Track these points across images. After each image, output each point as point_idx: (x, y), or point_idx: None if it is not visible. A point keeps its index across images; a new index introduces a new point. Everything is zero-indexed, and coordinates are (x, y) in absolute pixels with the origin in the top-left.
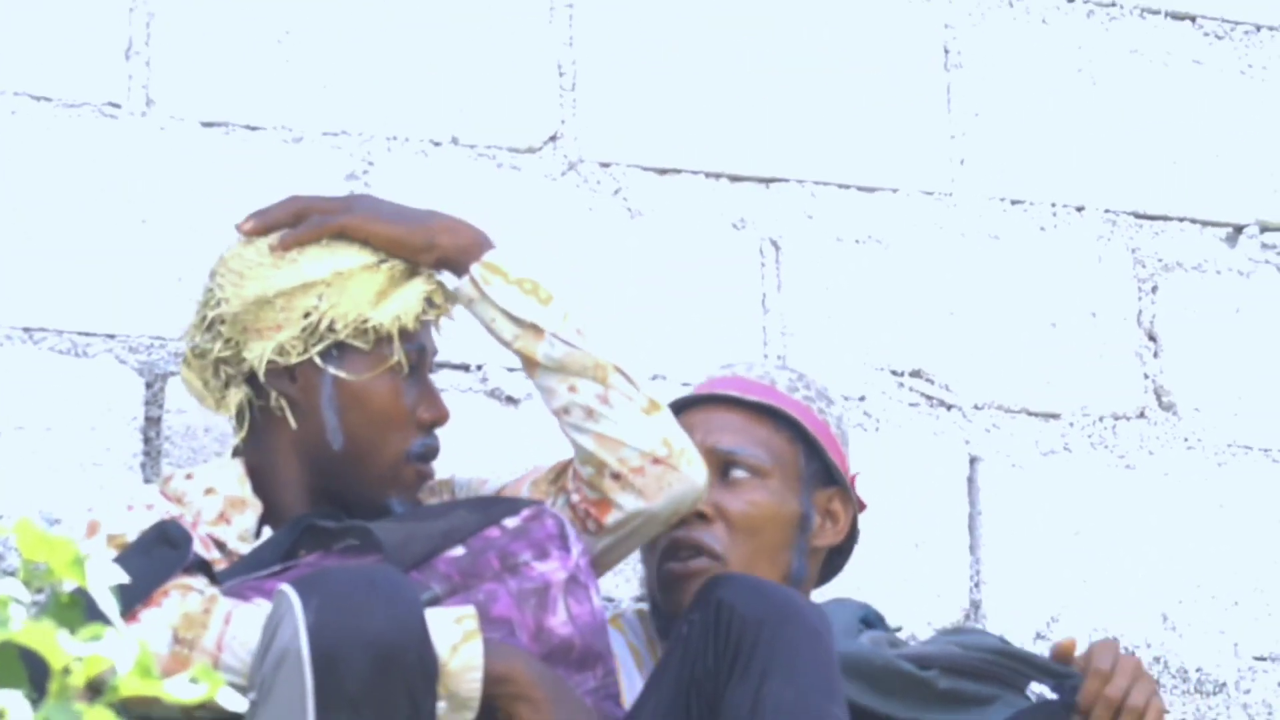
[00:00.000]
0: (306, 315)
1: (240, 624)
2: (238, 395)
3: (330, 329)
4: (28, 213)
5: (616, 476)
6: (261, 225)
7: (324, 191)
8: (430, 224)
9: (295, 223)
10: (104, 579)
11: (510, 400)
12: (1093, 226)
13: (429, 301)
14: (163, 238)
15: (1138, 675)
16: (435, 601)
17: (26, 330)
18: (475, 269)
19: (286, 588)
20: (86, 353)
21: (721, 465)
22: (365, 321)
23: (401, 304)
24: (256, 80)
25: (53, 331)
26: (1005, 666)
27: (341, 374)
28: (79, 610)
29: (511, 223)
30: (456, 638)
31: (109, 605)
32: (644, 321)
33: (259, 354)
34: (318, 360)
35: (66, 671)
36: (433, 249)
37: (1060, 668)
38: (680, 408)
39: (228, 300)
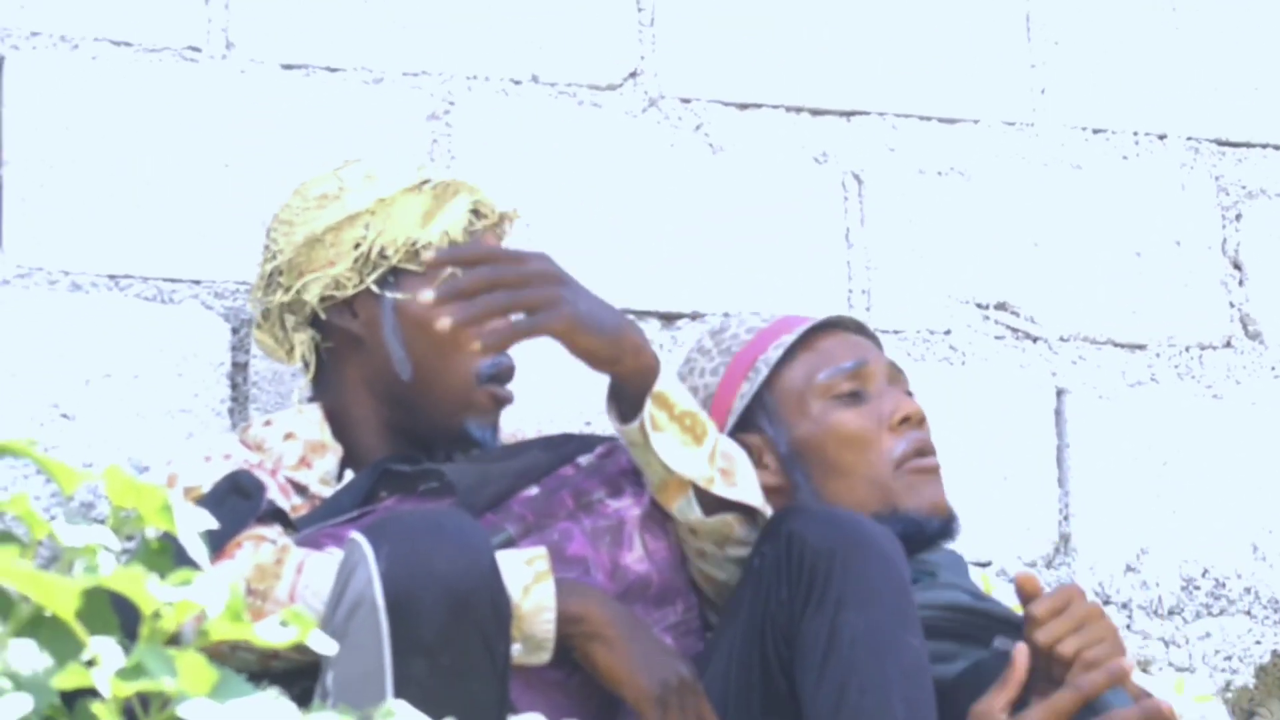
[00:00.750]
0: (356, 246)
1: (313, 573)
2: (303, 339)
3: (382, 255)
4: (110, 161)
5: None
6: (465, 318)
7: (405, 134)
8: (622, 340)
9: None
10: (193, 525)
11: None
12: (1176, 154)
13: (475, 213)
14: (245, 181)
15: (1084, 622)
16: (509, 543)
17: (112, 278)
18: (648, 408)
19: (357, 535)
20: (172, 299)
21: (897, 378)
22: (415, 243)
23: (448, 219)
24: (336, 21)
25: (138, 278)
26: (967, 623)
27: (400, 297)
28: (168, 556)
29: (592, 161)
30: (528, 579)
31: (198, 551)
32: (727, 258)
33: (316, 292)
34: (374, 289)
35: (157, 616)
36: (618, 364)
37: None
38: (819, 328)
39: (281, 250)
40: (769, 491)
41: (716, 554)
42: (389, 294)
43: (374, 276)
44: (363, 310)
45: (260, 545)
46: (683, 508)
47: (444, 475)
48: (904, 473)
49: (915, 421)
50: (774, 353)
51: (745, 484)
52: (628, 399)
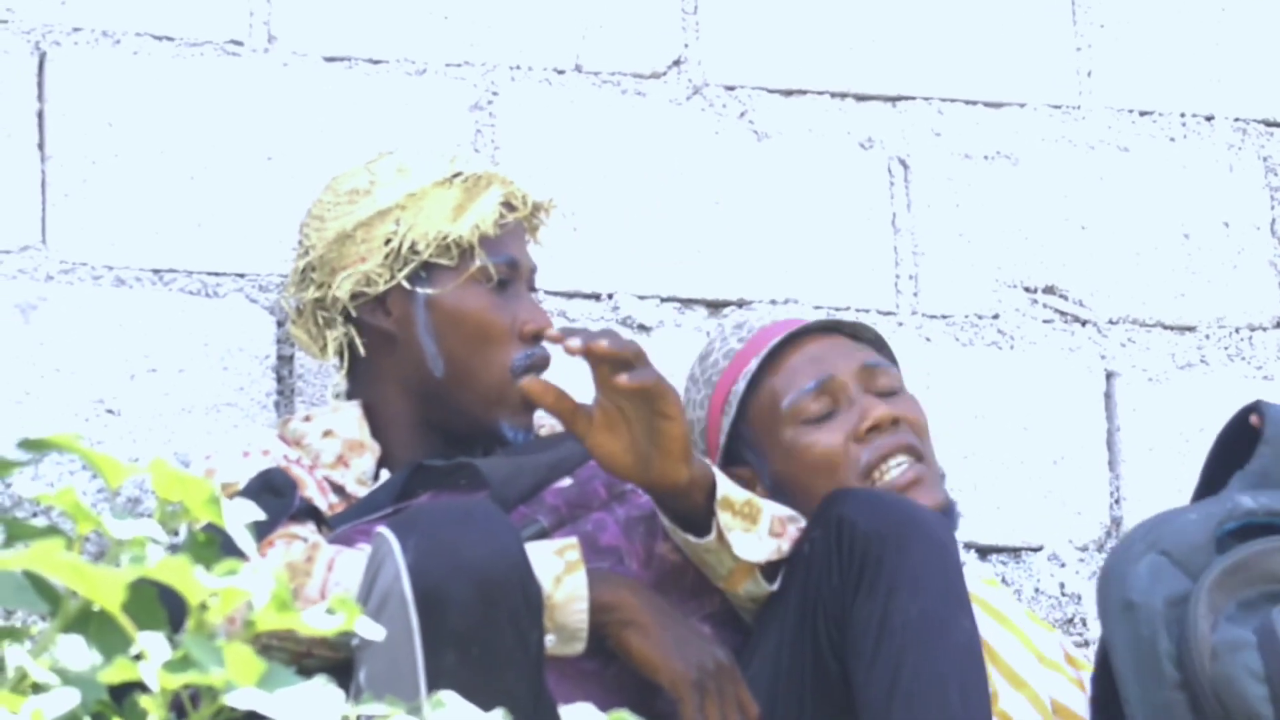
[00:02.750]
0: (387, 242)
1: (344, 570)
2: (335, 335)
3: (413, 250)
4: (153, 155)
5: None
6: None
7: (448, 125)
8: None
9: None
10: (239, 517)
11: (643, 328)
12: (1223, 136)
13: (506, 205)
14: (289, 175)
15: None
16: (543, 534)
17: (156, 272)
18: (719, 517)
19: (384, 529)
20: (217, 293)
21: (871, 378)
22: (445, 237)
23: (479, 212)
24: (378, 13)
25: (182, 272)
26: None
27: (431, 292)
28: (215, 549)
29: (636, 149)
30: (559, 569)
31: (245, 542)
32: (773, 245)
33: (348, 289)
34: (406, 284)
35: (204, 608)
36: (688, 469)
37: None
38: (781, 351)
39: (314, 246)
40: None
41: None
42: (421, 289)
43: (405, 272)
44: (395, 306)
45: (292, 544)
46: (750, 589)
47: (477, 469)
48: (873, 482)
49: (886, 426)
50: (741, 385)
51: (794, 530)
52: (692, 513)
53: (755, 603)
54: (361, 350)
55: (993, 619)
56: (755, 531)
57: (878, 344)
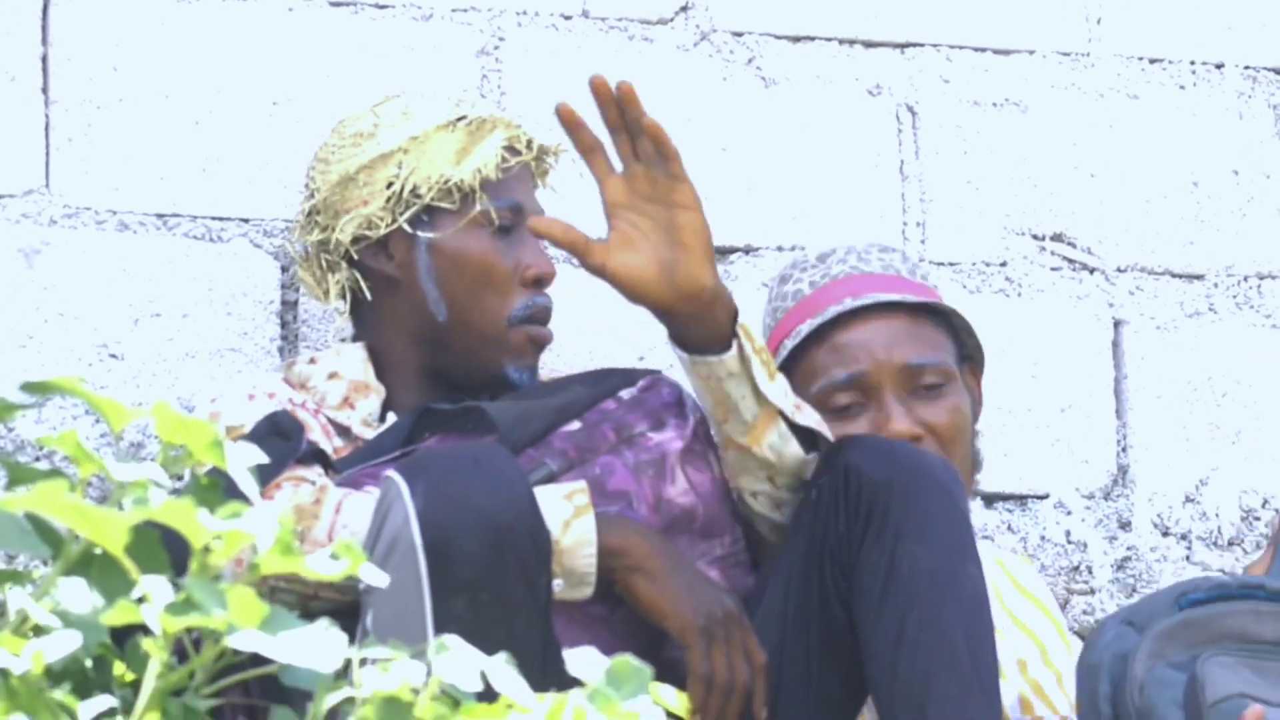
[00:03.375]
0: (389, 185)
1: (351, 513)
2: (338, 278)
3: (414, 194)
4: (158, 100)
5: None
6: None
7: (455, 70)
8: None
9: None
10: (243, 460)
11: None
12: (1233, 84)
13: (510, 149)
14: (294, 119)
15: None
16: (551, 478)
17: (160, 216)
18: (741, 335)
19: (393, 473)
20: (221, 238)
21: (911, 378)
22: (447, 180)
23: (481, 157)
24: None
25: (187, 217)
26: None
27: (433, 236)
28: (218, 492)
29: (644, 95)
30: (568, 514)
31: (248, 485)
32: (781, 192)
33: (350, 232)
34: (407, 228)
35: (207, 550)
36: (714, 289)
37: None
38: (833, 324)
39: (319, 189)
40: None
41: (777, 495)
42: (423, 234)
43: (406, 216)
44: (397, 250)
45: (299, 487)
46: (775, 443)
47: (485, 413)
48: None
49: (920, 435)
50: (790, 341)
51: (813, 415)
52: (713, 331)
53: (777, 475)
54: (365, 295)
55: (1024, 597)
56: (776, 382)
57: (948, 319)
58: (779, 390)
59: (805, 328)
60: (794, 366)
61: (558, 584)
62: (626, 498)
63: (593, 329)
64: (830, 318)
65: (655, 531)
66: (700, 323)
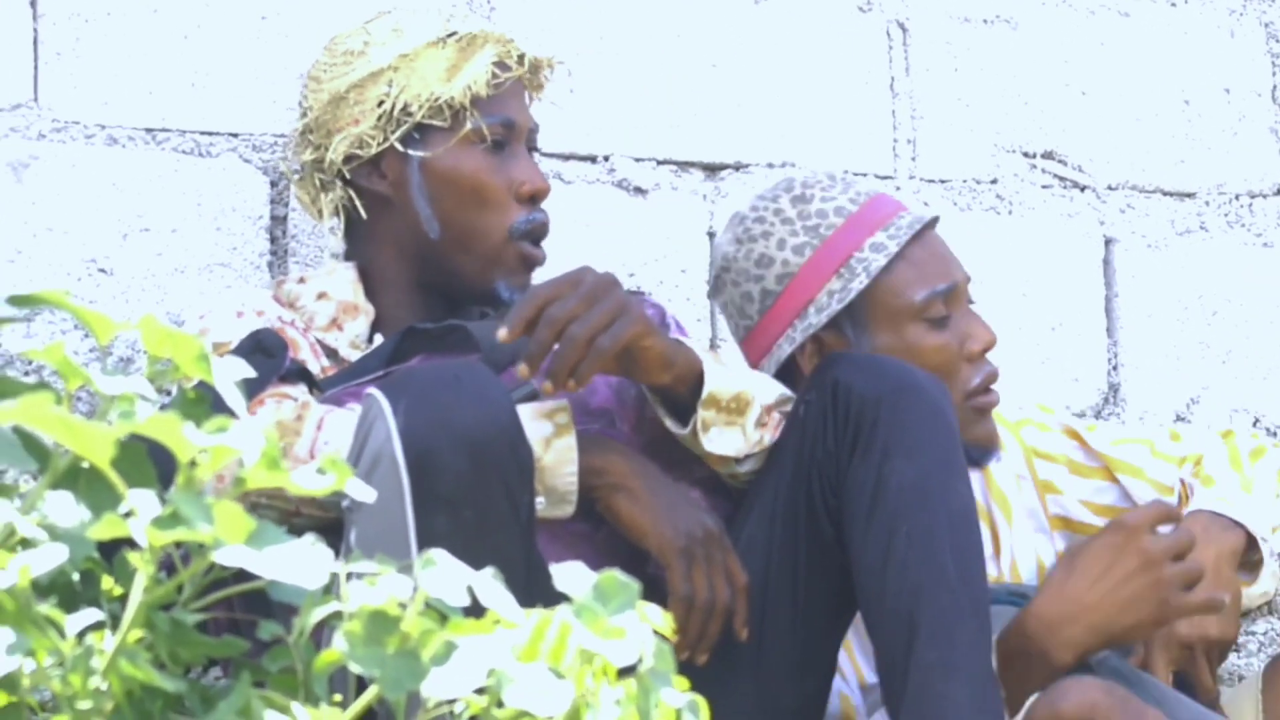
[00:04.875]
0: (380, 104)
1: (333, 429)
2: (331, 197)
3: (405, 112)
4: (146, 14)
5: None
6: (555, 370)
7: None
8: (674, 341)
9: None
10: (230, 374)
11: (639, 190)
12: (1224, 1)
13: (500, 65)
14: (283, 34)
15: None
16: (533, 396)
17: (149, 131)
18: (699, 415)
19: (375, 391)
20: (210, 152)
21: (967, 292)
22: (438, 98)
23: (471, 73)
24: None
25: (175, 132)
26: None
27: (425, 154)
28: (205, 406)
29: (634, 11)
30: (549, 432)
31: (235, 399)
32: (771, 108)
33: (342, 151)
34: (399, 146)
35: (193, 464)
36: (673, 368)
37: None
38: (905, 241)
39: (311, 108)
40: None
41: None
42: (415, 152)
43: (398, 134)
44: (390, 169)
45: (282, 403)
46: (726, 472)
47: (468, 332)
48: (971, 405)
49: (990, 350)
50: (873, 256)
51: (777, 421)
52: (677, 402)
53: (738, 480)
54: (358, 214)
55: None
56: (740, 425)
57: None
58: (738, 437)
59: (887, 240)
60: (875, 281)
61: (540, 501)
62: (609, 416)
63: (585, 256)
64: (918, 229)
65: (636, 452)
66: (662, 394)
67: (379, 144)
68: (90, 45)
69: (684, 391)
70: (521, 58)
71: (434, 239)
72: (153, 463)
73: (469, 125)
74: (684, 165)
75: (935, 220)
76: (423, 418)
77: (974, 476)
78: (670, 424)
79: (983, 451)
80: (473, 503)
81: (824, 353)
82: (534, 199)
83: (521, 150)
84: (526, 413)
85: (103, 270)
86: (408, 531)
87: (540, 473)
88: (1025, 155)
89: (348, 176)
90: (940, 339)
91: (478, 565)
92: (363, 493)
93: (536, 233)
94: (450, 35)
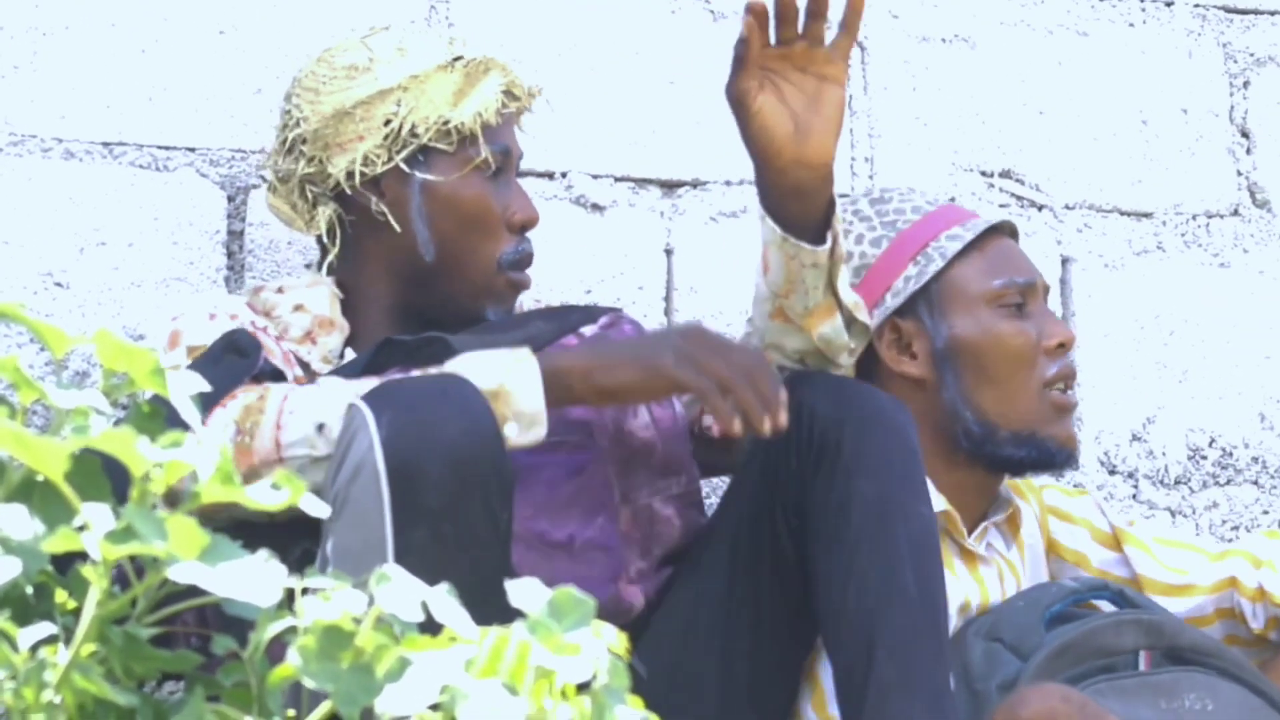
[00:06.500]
0: (387, 122)
1: (297, 399)
2: (327, 213)
3: (412, 133)
4: (104, 27)
5: None
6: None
7: (404, 7)
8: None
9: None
10: (185, 388)
11: (596, 208)
12: (1183, 21)
13: (508, 94)
14: (241, 48)
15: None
16: None
17: (106, 145)
18: (834, 227)
19: (358, 401)
20: (167, 166)
21: (1044, 295)
22: (447, 122)
23: (481, 100)
24: None
25: (133, 145)
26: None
27: (429, 177)
28: (160, 420)
29: (593, 27)
30: (510, 363)
31: (190, 413)
32: (730, 126)
33: (344, 167)
34: (404, 167)
35: (147, 479)
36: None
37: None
38: (979, 236)
39: (306, 119)
40: (912, 383)
41: (790, 365)
42: (418, 174)
43: (403, 155)
44: (390, 189)
45: (248, 390)
46: (827, 334)
47: (448, 344)
48: (1049, 399)
49: (1068, 348)
50: (949, 243)
51: (864, 311)
52: (810, 213)
53: (809, 356)
54: (349, 229)
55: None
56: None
57: None
58: (852, 293)
59: (966, 234)
60: (952, 266)
61: (511, 429)
62: (587, 427)
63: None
64: (985, 227)
65: (584, 347)
66: (803, 199)
67: (384, 163)
68: (48, 59)
69: (819, 204)
70: (526, 89)
71: (428, 261)
72: (107, 477)
73: (482, 154)
74: (642, 182)
75: (1011, 225)
76: (407, 430)
77: (998, 533)
78: (802, 245)
79: (1063, 452)
80: (453, 516)
81: (902, 343)
82: (524, 228)
83: (514, 179)
84: (488, 356)
85: (59, 284)
86: (385, 543)
87: (505, 398)
88: (983, 174)
89: (346, 192)
90: (1017, 325)
91: (455, 579)
92: (318, 509)
93: (523, 263)
94: (457, 59)
